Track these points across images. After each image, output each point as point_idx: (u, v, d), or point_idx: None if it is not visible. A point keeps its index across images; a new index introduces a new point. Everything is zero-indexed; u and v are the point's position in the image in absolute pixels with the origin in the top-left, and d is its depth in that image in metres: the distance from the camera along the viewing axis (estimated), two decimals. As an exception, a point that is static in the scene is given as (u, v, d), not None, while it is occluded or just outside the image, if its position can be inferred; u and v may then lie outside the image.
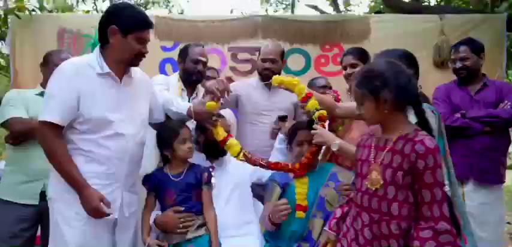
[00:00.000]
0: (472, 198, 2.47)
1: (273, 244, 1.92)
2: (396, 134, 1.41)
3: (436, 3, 5.41)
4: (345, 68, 2.47)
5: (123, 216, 1.81)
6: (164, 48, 3.90)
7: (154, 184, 1.96)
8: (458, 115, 2.54)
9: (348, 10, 6.98)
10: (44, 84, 2.41)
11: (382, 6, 5.48)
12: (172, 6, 6.77)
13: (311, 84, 2.82)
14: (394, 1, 4.51)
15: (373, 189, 1.40)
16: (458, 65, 2.66)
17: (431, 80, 3.40)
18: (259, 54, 2.63)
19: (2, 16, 3.71)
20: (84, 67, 1.71)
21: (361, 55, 2.46)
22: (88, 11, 6.20)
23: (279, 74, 2.57)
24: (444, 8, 4.30)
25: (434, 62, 3.82)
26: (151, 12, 6.85)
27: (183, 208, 1.88)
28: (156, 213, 1.97)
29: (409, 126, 1.43)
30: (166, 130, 1.96)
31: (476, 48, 2.66)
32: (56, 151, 1.63)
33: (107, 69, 1.73)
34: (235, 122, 2.66)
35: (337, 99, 2.51)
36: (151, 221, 1.93)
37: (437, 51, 3.79)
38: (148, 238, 1.88)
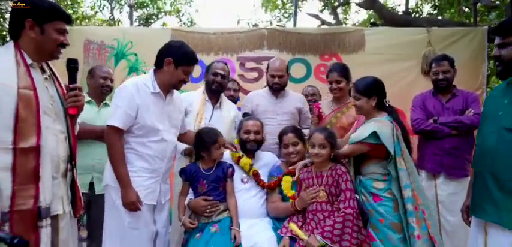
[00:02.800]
0: (443, 189, 2.96)
1: (278, 225, 2.37)
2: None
3: (426, 15, 5.83)
4: (330, 83, 2.85)
5: (160, 202, 2.28)
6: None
7: (189, 175, 2.43)
8: (431, 121, 2.97)
9: (345, 20, 7.39)
10: (90, 93, 2.88)
11: (373, 18, 5.89)
12: (182, 15, 7.17)
13: (303, 92, 3.28)
14: (388, 14, 4.93)
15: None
16: (441, 76, 3.04)
17: (419, 86, 3.77)
18: (267, 69, 3.09)
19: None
20: (142, 86, 2.18)
21: (345, 72, 2.86)
22: (106, 21, 6.63)
23: (286, 85, 3.08)
24: (432, 21, 4.69)
25: (422, 69, 4.21)
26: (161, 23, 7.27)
27: (211, 197, 2.36)
28: (189, 197, 2.44)
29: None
30: (208, 137, 2.42)
31: (452, 62, 3.08)
32: (115, 149, 2.09)
33: (157, 89, 2.20)
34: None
35: (320, 114, 2.94)
36: (185, 203, 2.42)
37: (424, 60, 4.17)
38: (183, 216, 2.36)
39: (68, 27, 1.73)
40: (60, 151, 1.69)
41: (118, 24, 6.59)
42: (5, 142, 1.50)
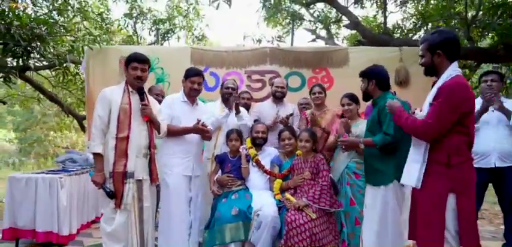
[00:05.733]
0: None
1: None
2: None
3: (399, 36, 6.81)
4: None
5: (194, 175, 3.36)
6: (198, 71, 5.35)
7: (220, 160, 3.54)
8: None
9: (337, 34, 8.42)
10: None
11: (359, 37, 6.87)
12: (195, 29, 8.13)
13: (299, 101, 4.37)
14: (369, 34, 5.91)
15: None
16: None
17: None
18: (272, 84, 4.23)
19: (81, 48, 5.09)
20: (177, 98, 3.41)
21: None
22: (129, 35, 7.68)
23: (285, 95, 4.25)
24: (403, 42, 5.66)
25: (396, 81, 5.15)
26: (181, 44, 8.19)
27: (232, 175, 3.44)
28: (218, 174, 3.54)
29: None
30: (226, 134, 3.59)
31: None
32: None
33: (185, 99, 3.37)
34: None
35: (307, 119, 3.93)
36: (215, 178, 3.51)
37: (397, 74, 5.13)
38: (213, 187, 3.44)
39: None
40: (142, 141, 2.79)
41: (139, 39, 7.57)
42: (113, 133, 2.68)
